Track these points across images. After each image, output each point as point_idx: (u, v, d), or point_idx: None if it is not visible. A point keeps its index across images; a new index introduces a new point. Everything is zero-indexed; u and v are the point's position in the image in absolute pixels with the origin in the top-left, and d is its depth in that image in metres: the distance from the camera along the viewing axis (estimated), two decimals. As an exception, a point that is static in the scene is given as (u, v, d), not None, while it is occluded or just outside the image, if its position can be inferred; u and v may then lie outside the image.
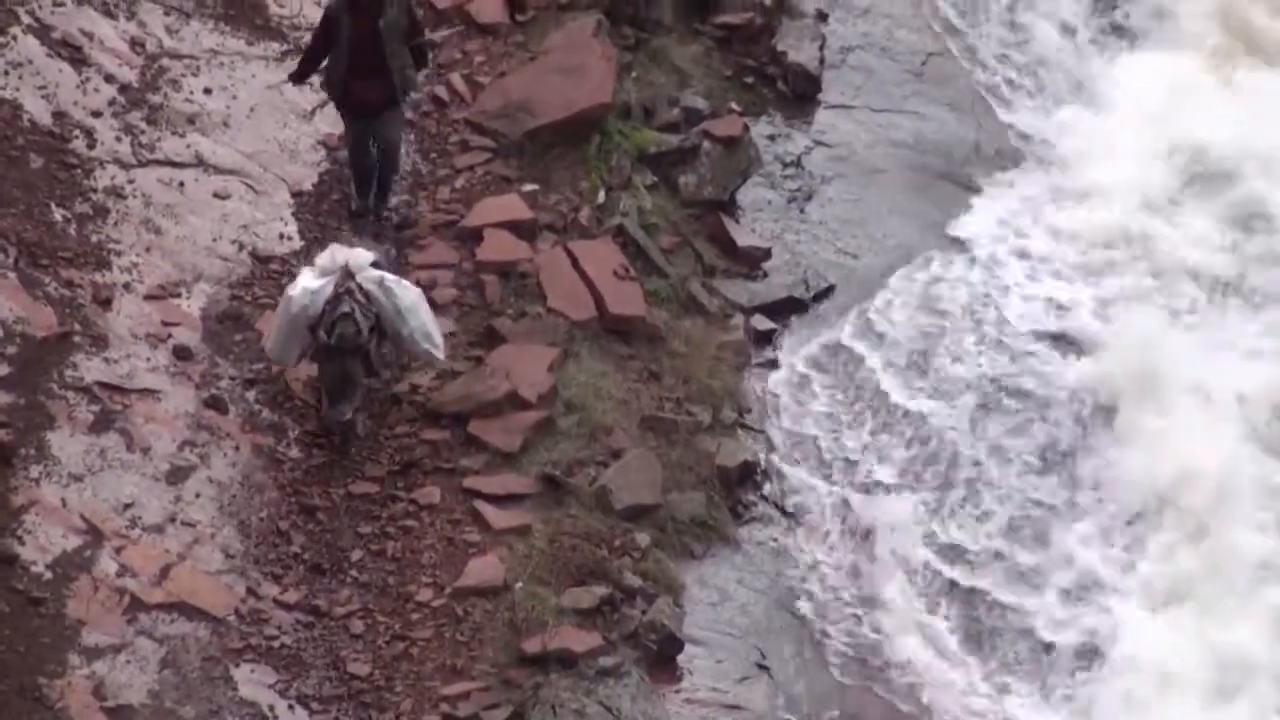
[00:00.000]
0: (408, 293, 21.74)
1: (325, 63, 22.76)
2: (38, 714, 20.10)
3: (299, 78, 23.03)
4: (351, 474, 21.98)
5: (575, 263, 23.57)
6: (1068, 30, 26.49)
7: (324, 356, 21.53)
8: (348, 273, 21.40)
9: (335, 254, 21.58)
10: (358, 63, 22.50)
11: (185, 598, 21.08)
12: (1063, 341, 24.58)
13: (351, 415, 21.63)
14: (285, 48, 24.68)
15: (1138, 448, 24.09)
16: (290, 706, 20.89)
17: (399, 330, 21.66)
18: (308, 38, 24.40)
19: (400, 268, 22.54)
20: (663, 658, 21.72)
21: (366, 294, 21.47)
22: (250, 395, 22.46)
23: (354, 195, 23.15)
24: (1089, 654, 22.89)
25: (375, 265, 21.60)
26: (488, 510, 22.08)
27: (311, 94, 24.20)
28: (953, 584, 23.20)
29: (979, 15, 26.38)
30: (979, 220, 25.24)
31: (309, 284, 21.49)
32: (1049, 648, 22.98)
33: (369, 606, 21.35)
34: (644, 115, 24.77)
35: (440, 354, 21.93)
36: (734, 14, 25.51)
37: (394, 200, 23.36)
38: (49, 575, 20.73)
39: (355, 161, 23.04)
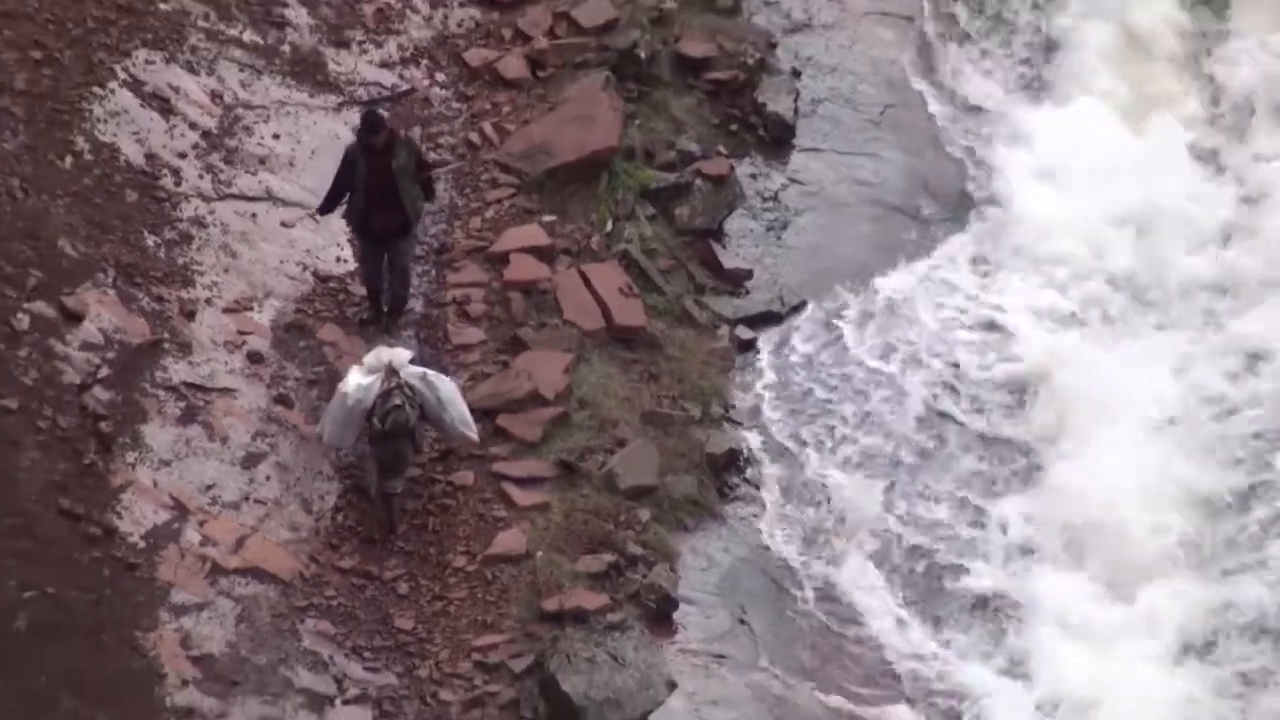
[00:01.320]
0: (445, 384, 21.59)
1: (346, 197, 22.43)
2: (135, 661, 20.16)
3: (324, 210, 22.72)
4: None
5: (587, 282, 23.55)
6: (1005, 86, 26.29)
7: (379, 440, 21.36)
8: (392, 370, 21.27)
9: (380, 354, 21.45)
10: (373, 198, 22.20)
11: (258, 564, 21.15)
12: (997, 347, 24.46)
13: (400, 488, 21.56)
14: (341, 100, 24.53)
15: (1066, 438, 24.01)
16: (346, 655, 20.92)
17: (441, 417, 21.52)
18: (360, 91, 24.53)
19: (433, 357, 22.40)
20: (660, 614, 21.84)
21: (411, 387, 21.30)
22: (312, 393, 22.44)
23: (366, 307, 22.87)
24: (1020, 612, 22.85)
25: (413, 361, 21.47)
26: (513, 491, 22.13)
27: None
28: (903, 551, 23.15)
29: (929, 74, 26.05)
30: (928, 246, 25.06)
31: (360, 380, 21.34)
32: (986, 606, 22.96)
33: (413, 571, 21.46)
34: (645, 157, 24.68)
35: (474, 436, 21.78)
36: (722, 71, 25.36)
37: (409, 304, 23.08)
38: (143, 544, 20.80)
39: (368, 282, 22.78)
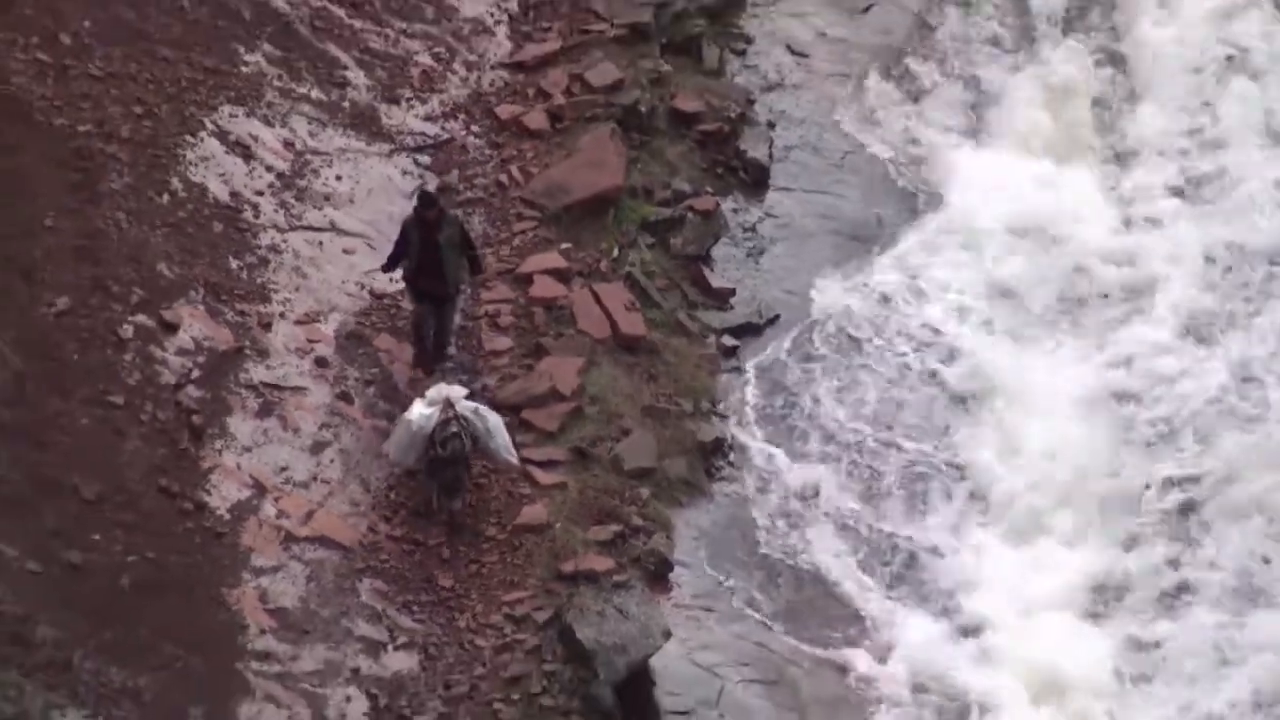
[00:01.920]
0: (493, 416, 21.50)
1: (403, 261, 22.29)
2: (222, 614, 20.29)
3: (387, 269, 22.51)
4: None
5: (597, 299, 23.52)
6: (944, 133, 26.13)
7: (439, 464, 21.29)
8: (449, 403, 21.22)
9: (440, 390, 21.39)
10: (423, 264, 22.06)
11: (323, 533, 21.21)
12: (938, 351, 24.36)
13: (460, 505, 21.49)
14: (392, 147, 24.43)
15: (993, 426, 23.94)
16: (397, 609, 21.00)
17: (489, 445, 21.40)
18: (408, 139, 24.47)
19: (469, 362, 22.59)
20: (658, 575, 21.90)
21: (465, 419, 21.22)
22: (369, 391, 22.45)
23: (413, 351, 22.64)
24: (954, 570, 22.81)
25: (468, 397, 21.43)
26: (536, 472, 22.12)
27: (409, 180, 24.17)
28: (860, 522, 23.08)
29: (880, 127, 25.91)
30: (880, 266, 24.99)
31: (423, 410, 21.25)
32: (926, 565, 22.89)
33: (452, 539, 21.48)
34: (645, 195, 24.60)
35: (516, 461, 21.66)
36: (709, 123, 25.26)
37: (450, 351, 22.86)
38: (227, 517, 20.88)
39: (416, 331, 22.55)
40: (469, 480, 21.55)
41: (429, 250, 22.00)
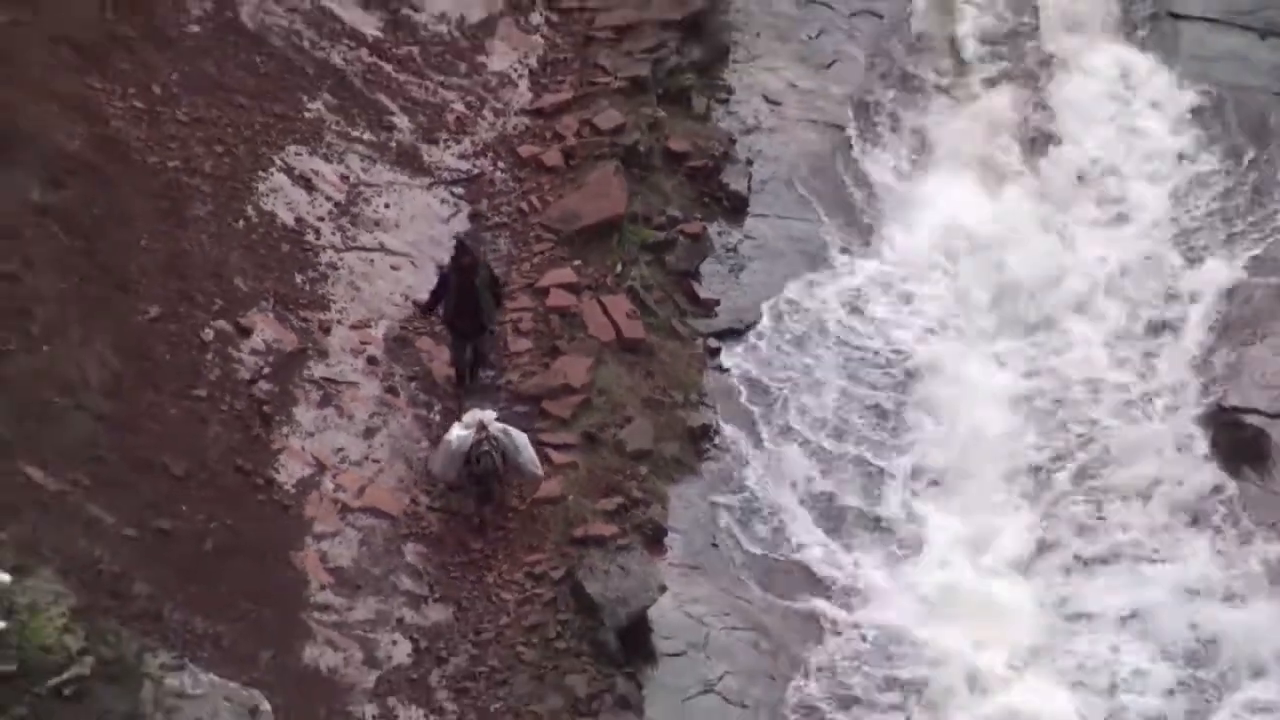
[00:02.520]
0: (520, 435, 21.34)
1: (442, 301, 22.14)
2: (288, 572, 20.37)
3: (428, 309, 22.36)
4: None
5: (603, 308, 23.44)
6: (897, 170, 25.99)
7: (474, 478, 21.18)
8: (483, 426, 21.07)
9: (475, 414, 21.21)
10: (460, 304, 21.90)
11: (374, 504, 21.19)
12: (890, 351, 24.32)
13: (490, 509, 21.37)
14: (431, 180, 24.33)
15: (935, 412, 23.87)
16: (435, 568, 21.07)
17: (517, 459, 21.23)
18: (445, 174, 24.38)
19: (495, 360, 22.46)
20: (655, 540, 21.89)
21: (496, 438, 21.07)
22: (412, 385, 22.38)
23: (453, 376, 22.48)
24: (902, 534, 22.82)
25: (498, 419, 21.27)
26: (552, 453, 22.05)
27: (446, 208, 24.04)
28: (824, 493, 23.06)
29: (844, 161, 25.81)
30: (841, 281, 24.93)
31: (460, 432, 21.09)
32: (879, 529, 22.90)
33: (482, 510, 21.43)
34: (644, 221, 24.50)
35: (539, 472, 21.50)
36: (697, 161, 25.19)
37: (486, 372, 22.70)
38: (293, 491, 20.90)
39: (454, 363, 22.37)
40: (499, 490, 21.40)
41: (465, 293, 21.88)
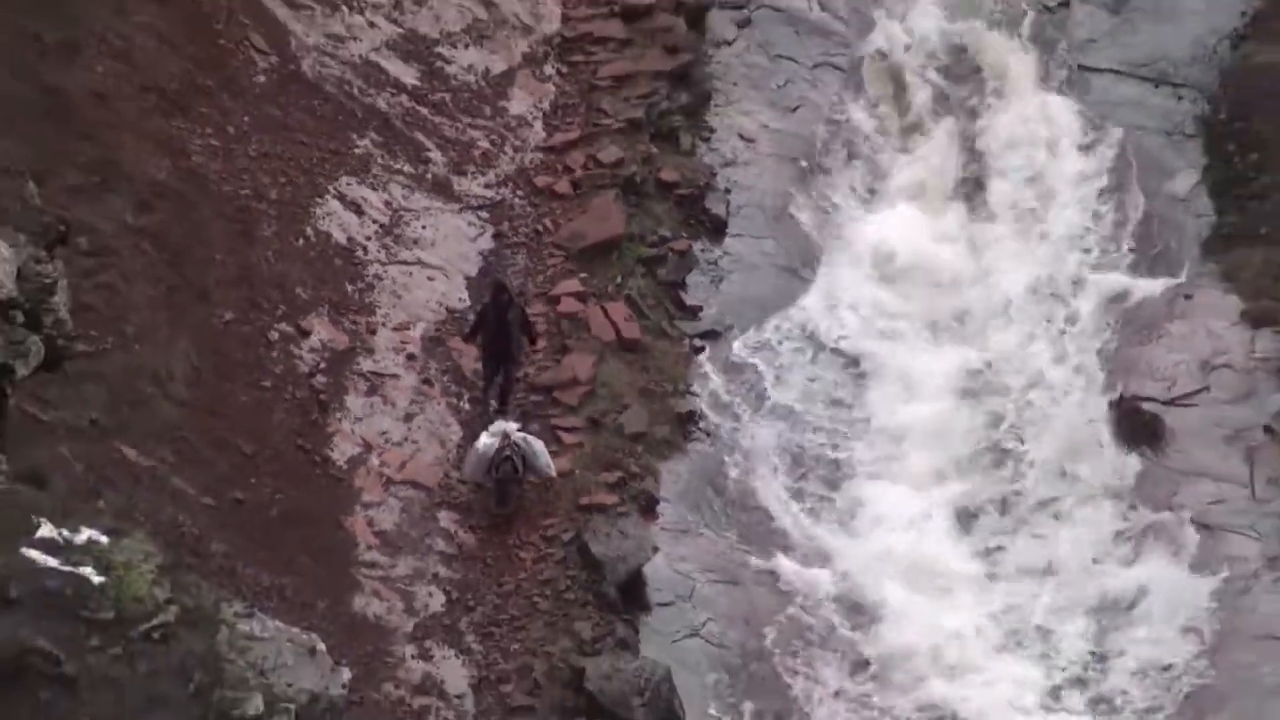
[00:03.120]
0: (537, 443, 21.12)
1: (480, 335, 21.98)
2: (341, 535, 20.43)
3: (468, 339, 22.07)
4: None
5: (606, 314, 23.40)
6: (849, 199, 25.92)
7: (497, 481, 20.99)
8: (506, 435, 20.94)
9: (499, 425, 21.06)
10: (495, 337, 21.73)
11: (413, 478, 21.21)
12: (846, 349, 24.29)
13: (509, 508, 21.12)
14: (461, 206, 24.24)
15: (882, 402, 23.81)
16: (464, 531, 21.08)
17: (534, 464, 21.00)
18: (473, 200, 24.32)
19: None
20: (649, 508, 21.86)
21: (517, 445, 20.92)
22: (445, 378, 22.33)
23: (484, 396, 22.19)
24: (862, 508, 22.74)
25: (520, 430, 21.15)
26: (563, 435, 22.04)
27: (473, 229, 24.01)
28: (791, 468, 23.01)
29: (807, 191, 25.70)
30: (804, 290, 24.87)
31: (487, 440, 20.90)
32: (836, 491, 22.87)
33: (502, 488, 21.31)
34: (640, 240, 24.44)
35: (553, 474, 21.21)
36: (684, 190, 25.08)
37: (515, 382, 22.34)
38: (345, 466, 20.95)
39: (486, 384, 22.05)
40: (519, 490, 21.16)
41: (500, 327, 21.74)
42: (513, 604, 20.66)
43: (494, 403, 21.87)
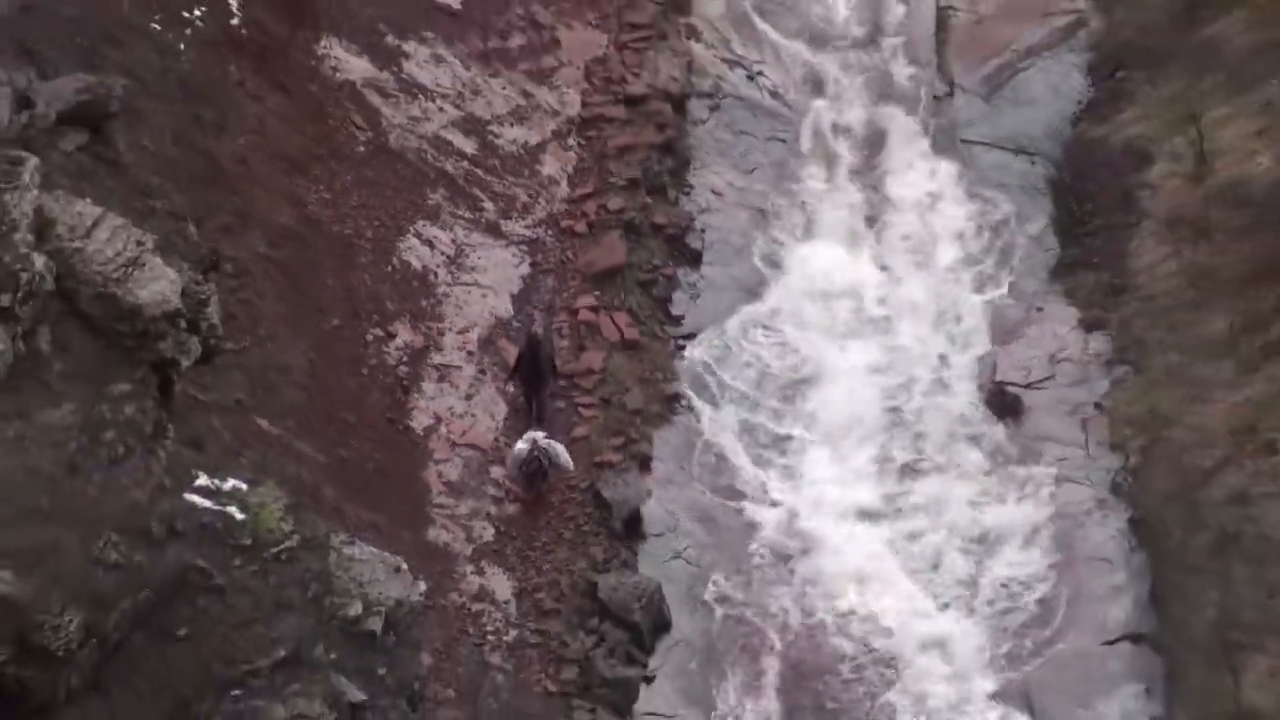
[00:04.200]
0: (559, 446, 20.76)
1: (520, 369, 21.62)
2: (419, 484, 20.38)
3: (511, 377, 21.75)
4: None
5: (613, 321, 23.35)
6: (789, 233, 25.66)
7: (526, 476, 20.61)
8: (535, 441, 20.60)
9: (531, 434, 20.69)
10: (530, 371, 21.38)
11: (472, 442, 21.14)
12: (789, 349, 24.14)
13: (535, 495, 20.76)
14: (507, 242, 24.12)
15: (813, 388, 23.55)
16: (508, 481, 20.91)
17: (556, 461, 20.63)
18: (515, 238, 24.18)
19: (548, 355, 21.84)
20: (645, 464, 21.74)
21: (544, 449, 20.59)
22: (494, 368, 22.20)
23: (526, 411, 21.80)
24: (802, 466, 22.64)
25: (546, 437, 20.82)
26: (582, 410, 22.03)
27: (515, 259, 23.89)
28: (753, 439, 22.92)
29: (758, 231, 25.52)
30: (758, 308, 24.66)
31: (521, 446, 20.45)
32: (790, 466, 22.62)
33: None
34: (638, 267, 24.34)
35: (572, 468, 20.57)
36: (671, 230, 24.96)
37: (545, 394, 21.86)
38: (421, 434, 20.91)
39: (526, 404, 21.61)
40: (543, 483, 20.80)
41: (533, 365, 21.48)
42: (545, 534, 20.72)
43: (533, 418, 21.71)
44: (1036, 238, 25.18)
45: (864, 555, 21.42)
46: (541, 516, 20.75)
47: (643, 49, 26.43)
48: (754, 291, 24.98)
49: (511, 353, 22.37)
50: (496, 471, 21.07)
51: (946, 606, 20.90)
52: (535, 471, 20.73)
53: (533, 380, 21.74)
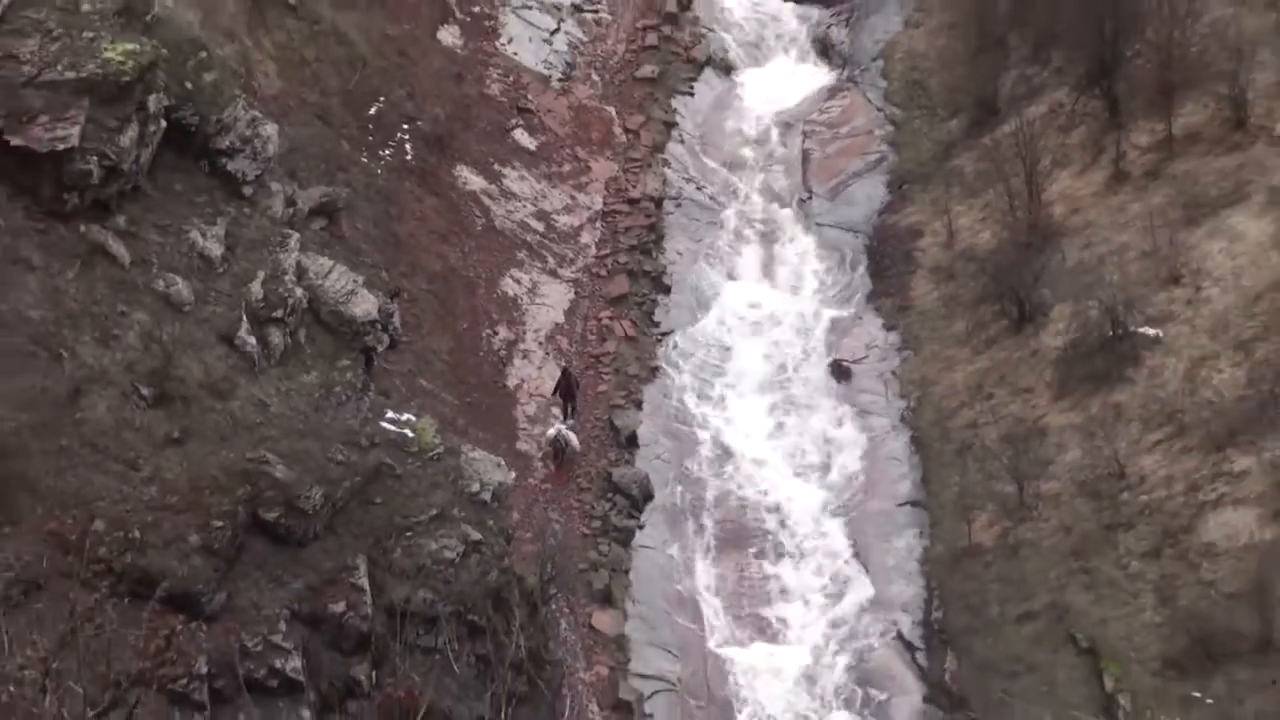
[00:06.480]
0: (572, 435, 19.15)
1: (559, 389, 19.80)
2: (510, 417, 19.96)
3: (553, 394, 19.48)
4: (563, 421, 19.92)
5: (622, 325, 22.75)
6: (725, 275, 24.80)
7: (555, 451, 19.10)
8: (559, 430, 19.18)
9: (556, 426, 19.22)
10: (565, 391, 19.64)
11: (541, 393, 20.55)
12: (723, 351, 23.19)
13: (559, 464, 18.92)
14: (560, 280, 23.27)
15: (735, 363, 22.96)
16: (561, 413, 20.46)
17: (570, 442, 19.07)
18: (567, 277, 23.46)
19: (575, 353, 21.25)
20: (639, 405, 21.28)
21: (565, 435, 19.07)
22: (555, 351, 21.64)
23: (561, 413, 19.87)
24: (731, 409, 21.97)
25: (568, 427, 19.34)
26: (603, 375, 21.32)
27: (568, 291, 23.24)
28: (698, 391, 22.25)
29: (704, 271, 24.50)
30: (704, 321, 23.70)
31: (550, 432, 19.06)
32: (719, 406, 22.09)
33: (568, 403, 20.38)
34: (636, 294, 23.52)
35: (578, 449, 18.81)
36: (654, 274, 24.08)
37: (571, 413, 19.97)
38: (512, 388, 20.46)
39: (562, 409, 19.67)
40: (564, 457, 19.05)
41: (567, 386, 20.42)
42: (583, 446, 20.28)
43: (569, 417, 19.98)
44: (859, 278, 24.85)
45: (761, 453, 21.46)
46: (580, 437, 20.49)
47: (638, 172, 26.20)
48: (705, 307, 24.38)
49: (564, 347, 21.97)
50: (555, 410, 20.79)
51: (807, 480, 21.04)
52: (559, 450, 19.20)
53: (566, 395, 19.94)
